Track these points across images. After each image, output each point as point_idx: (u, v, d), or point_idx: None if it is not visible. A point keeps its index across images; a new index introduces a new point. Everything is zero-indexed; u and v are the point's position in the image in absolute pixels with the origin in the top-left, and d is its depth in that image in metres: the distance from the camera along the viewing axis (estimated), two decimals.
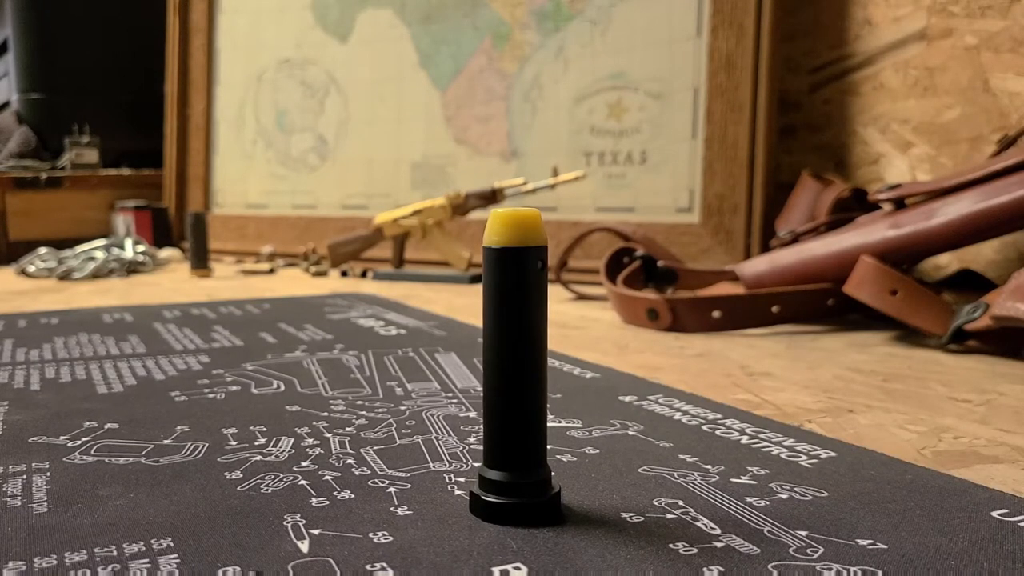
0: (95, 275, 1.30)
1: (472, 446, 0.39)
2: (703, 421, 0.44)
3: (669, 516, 0.30)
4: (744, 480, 0.34)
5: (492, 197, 1.16)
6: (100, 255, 1.34)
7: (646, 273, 0.88)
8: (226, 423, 0.44)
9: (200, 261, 1.28)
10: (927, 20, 0.96)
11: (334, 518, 0.31)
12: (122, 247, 1.40)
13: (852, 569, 0.26)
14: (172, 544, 0.28)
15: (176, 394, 0.51)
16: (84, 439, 0.41)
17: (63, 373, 0.57)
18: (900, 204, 0.77)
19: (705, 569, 0.26)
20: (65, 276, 1.28)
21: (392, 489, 0.34)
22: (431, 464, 0.37)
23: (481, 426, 0.31)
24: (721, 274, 0.89)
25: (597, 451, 0.38)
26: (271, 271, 1.36)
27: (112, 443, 0.41)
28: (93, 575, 0.26)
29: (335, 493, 0.33)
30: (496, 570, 0.26)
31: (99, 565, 0.27)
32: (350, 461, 0.37)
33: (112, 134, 1.79)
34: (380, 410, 0.46)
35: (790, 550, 0.27)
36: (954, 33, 0.94)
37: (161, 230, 1.67)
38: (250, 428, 0.43)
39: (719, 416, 0.45)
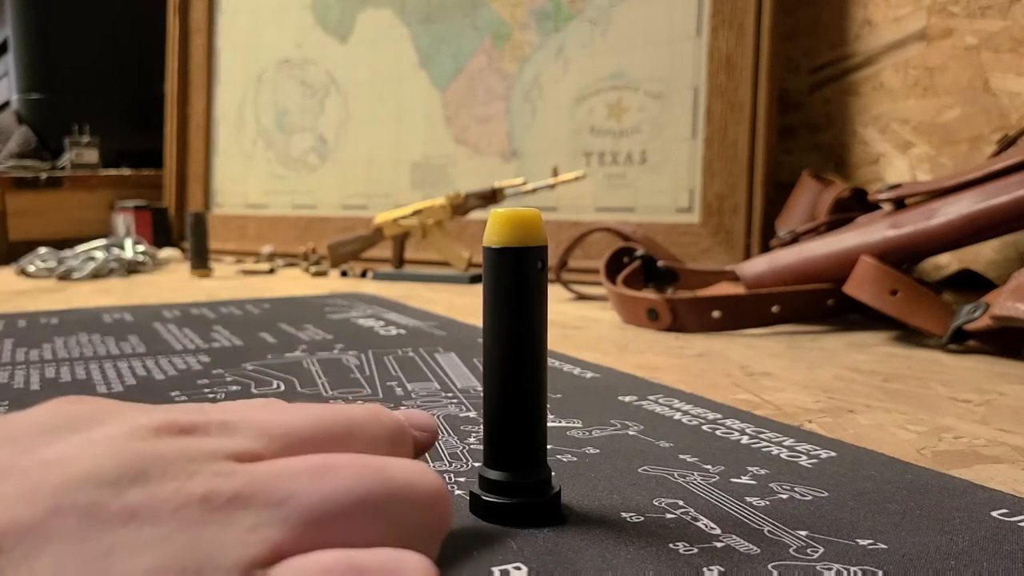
0: (95, 275, 1.30)
1: (472, 446, 0.39)
2: (703, 421, 0.44)
3: (669, 516, 0.30)
4: (744, 480, 0.34)
5: (492, 197, 1.16)
6: (100, 255, 1.34)
7: (646, 273, 0.88)
8: None
9: (200, 261, 1.28)
10: (927, 20, 0.96)
11: None
12: (122, 247, 1.40)
13: (852, 569, 0.26)
14: None
15: (176, 394, 0.51)
16: None
17: (63, 373, 0.57)
18: (900, 204, 0.77)
19: (705, 569, 0.26)
20: (65, 276, 1.28)
21: None
22: (431, 464, 0.37)
23: (481, 426, 0.31)
24: (721, 274, 0.89)
25: (597, 451, 0.38)
26: (271, 271, 1.36)
27: None
28: None
29: None
30: (496, 570, 0.26)
31: None
32: None
33: (112, 134, 1.79)
34: None
35: (790, 550, 0.27)
36: (954, 33, 0.94)
37: (161, 230, 1.67)
38: None
39: (719, 416, 0.45)
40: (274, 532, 0.17)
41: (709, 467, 0.36)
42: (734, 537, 0.28)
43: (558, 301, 0.95)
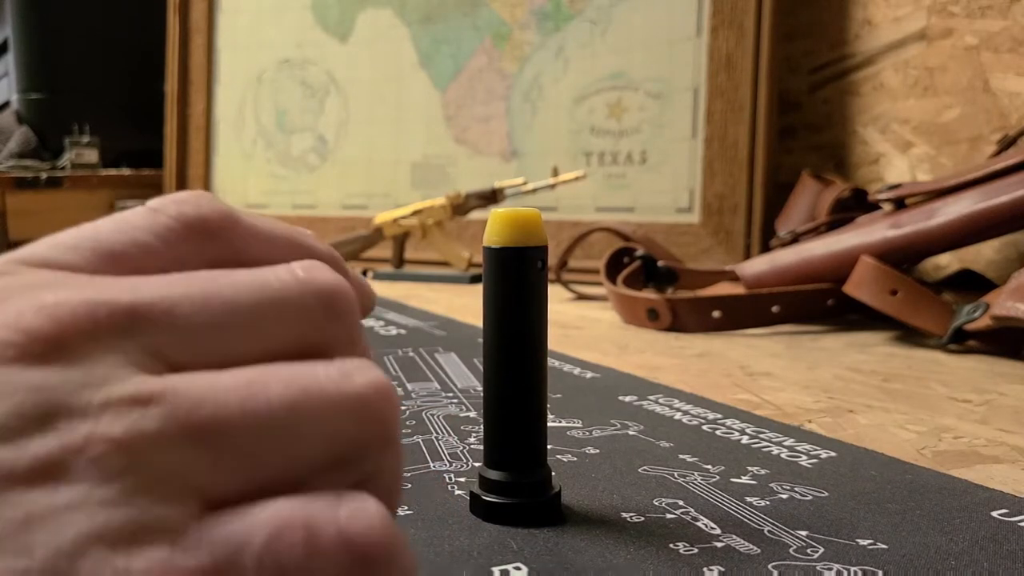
0: None
1: (472, 446, 0.39)
2: (703, 421, 0.44)
3: (669, 516, 0.30)
4: (744, 480, 0.34)
5: (492, 197, 1.16)
6: None
7: (646, 273, 0.88)
8: None
9: None
10: (927, 20, 0.96)
11: None
12: None
13: (852, 569, 0.26)
14: None
15: None
16: None
17: None
18: (900, 204, 0.77)
19: (705, 569, 0.26)
20: None
21: None
22: (431, 464, 0.37)
23: (481, 426, 0.31)
24: (721, 274, 0.89)
25: (597, 451, 0.38)
26: None
27: None
28: None
29: None
30: (496, 570, 0.26)
31: None
32: None
33: (112, 134, 1.79)
34: None
35: (790, 550, 0.27)
36: (954, 33, 0.94)
37: None
38: None
39: (719, 416, 0.45)
40: (205, 476, 0.15)
41: (709, 467, 0.36)
42: (734, 537, 0.28)
43: (558, 301, 0.95)
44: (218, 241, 0.19)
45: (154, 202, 0.19)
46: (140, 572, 0.13)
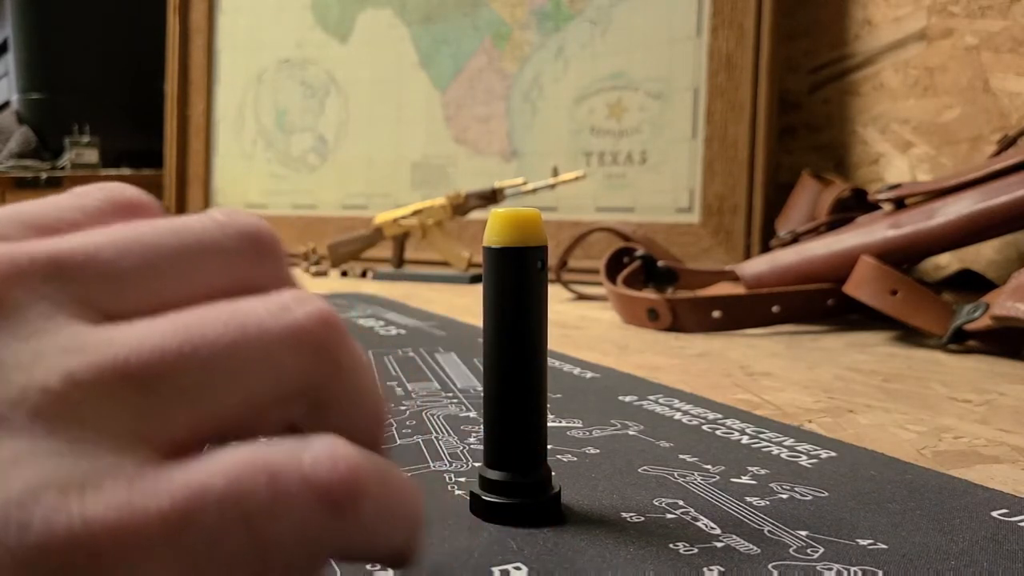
0: None
1: (472, 446, 0.39)
2: (703, 421, 0.44)
3: (669, 516, 0.30)
4: (744, 480, 0.34)
5: (492, 197, 1.16)
6: None
7: (646, 273, 0.88)
8: None
9: None
10: (927, 20, 0.96)
11: None
12: None
13: (852, 569, 0.26)
14: None
15: None
16: None
17: None
18: (900, 204, 0.77)
19: (705, 569, 0.26)
20: None
21: None
22: (431, 464, 0.37)
23: (481, 426, 0.31)
24: (721, 274, 0.89)
25: (597, 451, 0.38)
26: None
27: None
28: None
29: None
30: (496, 570, 0.26)
31: None
32: None
33: (112, 134, 1.79)
34: None
35: (790, 550, 0.27)
36: (954, 33, 0.94)
37: None
38: None
39: (719, 416, 0.44)
40: (154, 423, 0.14)
41: (709, 467, 0.36)
42: (734, 537, 0.28)
43: (558, 301, 0.95)
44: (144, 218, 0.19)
45: (79, 189, 0.19)
46: (97, 516, 0.13)
